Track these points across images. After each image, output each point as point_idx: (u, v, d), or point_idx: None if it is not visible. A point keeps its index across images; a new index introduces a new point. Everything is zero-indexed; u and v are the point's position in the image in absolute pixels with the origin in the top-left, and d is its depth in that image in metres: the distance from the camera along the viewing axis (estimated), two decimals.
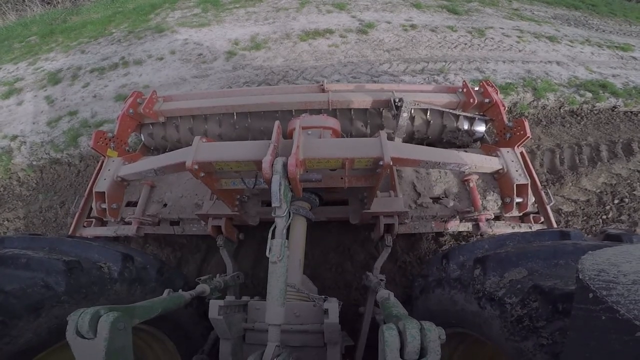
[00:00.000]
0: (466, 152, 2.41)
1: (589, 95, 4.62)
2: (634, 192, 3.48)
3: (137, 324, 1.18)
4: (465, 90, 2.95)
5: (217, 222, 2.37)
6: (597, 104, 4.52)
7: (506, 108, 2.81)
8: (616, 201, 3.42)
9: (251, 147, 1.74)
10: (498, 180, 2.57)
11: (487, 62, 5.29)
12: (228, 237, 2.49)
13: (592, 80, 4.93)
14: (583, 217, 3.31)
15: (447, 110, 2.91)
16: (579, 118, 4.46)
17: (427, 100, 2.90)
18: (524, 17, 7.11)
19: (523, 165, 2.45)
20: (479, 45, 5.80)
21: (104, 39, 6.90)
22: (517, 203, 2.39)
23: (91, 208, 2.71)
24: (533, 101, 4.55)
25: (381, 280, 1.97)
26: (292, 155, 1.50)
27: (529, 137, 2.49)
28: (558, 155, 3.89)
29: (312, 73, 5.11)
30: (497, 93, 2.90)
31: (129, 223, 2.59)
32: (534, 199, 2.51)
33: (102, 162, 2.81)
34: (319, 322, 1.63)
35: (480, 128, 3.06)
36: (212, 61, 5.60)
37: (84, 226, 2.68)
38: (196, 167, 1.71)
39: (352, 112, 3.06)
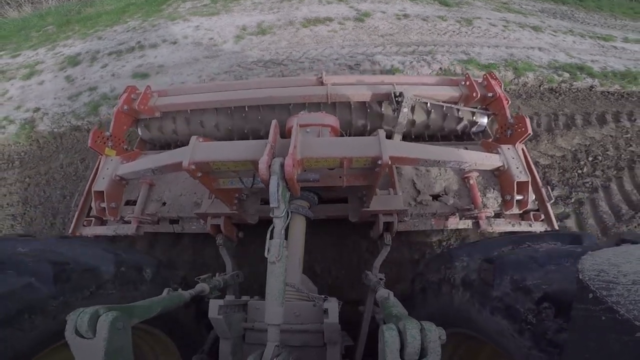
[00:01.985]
0: (466, 149, 2.38)
1: (567, 75, 5.01)
2: (607, 152, 3.83)
3: (136, 324, 1.17)
4: (468, 83, 2.88)
5: (216, 221, 2.37)
6: (575, 83, 4.92)
7: (509, 102, 2.75)
8: (590, 158, 3.76)
9: (248, 146, 1.71)
10: (498, 177, 2.54)
11: (473, 47, 5.67)
12: (227, 236, 2.49)
13: (571, 64, 5.31)
14: (559, 169, 3.65)
15: (449, 105, 2.86)
16: (557, 94, 4.81)
17: (428, 94, 2.85)
18: (512, 10, 7.57)
19: (524, 163, 2.42)
20: (466, 32, 6.21)
21: (119, 27, 7.28)
22: (518, 200, 2.37)
23: (90, 207, 2.71)
24: (514, 79, 4.93)
25: (380, 279, 1.97)
26: (289, 155, 1.47)
27: (530, 134, 2.45)
28: (535, 121, 4.24)
29: (314, 54, 5.51)
30: (500, 86, 2.83)
31: (128, 222, 2.59)
32: (534, 196, 2.49)
33: (100, 160, 2.79)
34: (318, 321, 1.63)
35: (483, 121, 3.01)
36: (222, 44, 6.04)
37: (84, 225, 2.69)
38: (193, 167, 1.70)
39: (352, 106, 3.02)
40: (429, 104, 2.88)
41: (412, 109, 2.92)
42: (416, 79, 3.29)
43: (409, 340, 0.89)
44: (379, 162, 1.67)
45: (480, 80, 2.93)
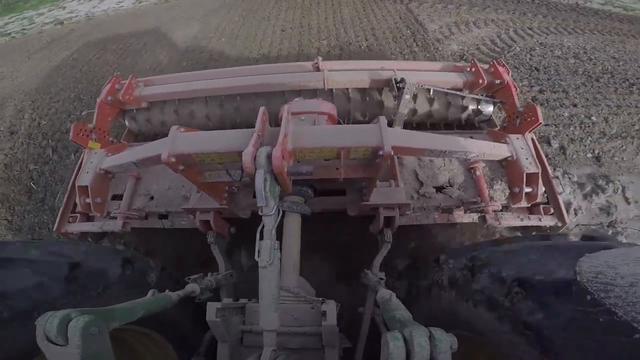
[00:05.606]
0: (472, 138, 2.23)
1: None
2: None
3: (134, 327, 1.12)
4: (473, 69, 2.72)
5: (205, 216, 2.21)
6: None
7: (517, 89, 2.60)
8: None
9: (233, 136, 1.54)
10: (506, 168, 2.39)
11: None
12: (219, 232, 2.34)
13: None
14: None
15: (453, 92, 2.70)
16: None
17: (431, 80, 2.69)
18: None
19: (534, 153, 2.27)
20: None
21: None
22: (527, 193, 2.23)
23: (76, 203, 2.57)
24: None
25: (381, 279, 1.85)
26: (278, 146, 1.30)
27: (540, 123, 2.29)
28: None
29: None
30: (508, 73, 2.66)
31: (115, 217, 2.45)
32: (544, 188, 2.35)
33: (83, 154, 2.64)
34: (317, 324, 1.57)
35: (488, 109, 2.86)
36: None
37: (69, 222, 2.56)
38: (173, 159, 1.52)
39: (350, 93, 2.85)
40: (432, 91, 2.72)
41: (414, 96, 2.76)
42: (418, 64, 3.10)
43: (416, 349, 0.77)
44: (380, 152, 1.50)
45: (486, 67, 2.77)
